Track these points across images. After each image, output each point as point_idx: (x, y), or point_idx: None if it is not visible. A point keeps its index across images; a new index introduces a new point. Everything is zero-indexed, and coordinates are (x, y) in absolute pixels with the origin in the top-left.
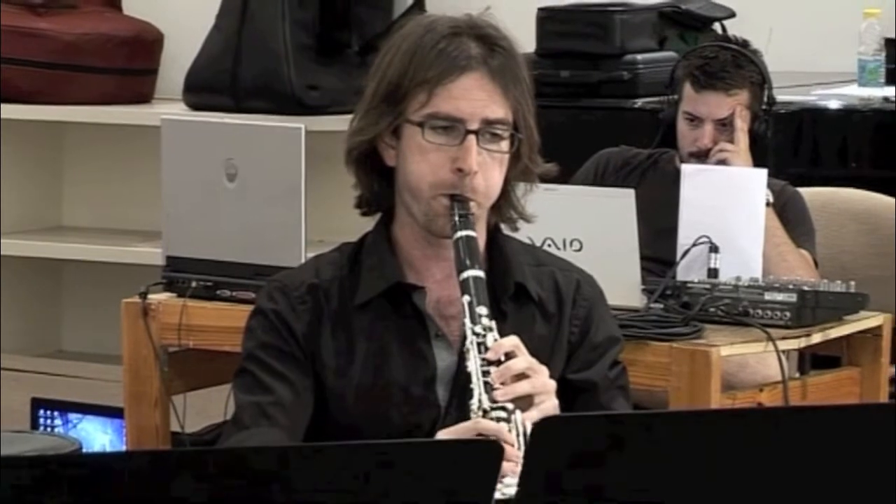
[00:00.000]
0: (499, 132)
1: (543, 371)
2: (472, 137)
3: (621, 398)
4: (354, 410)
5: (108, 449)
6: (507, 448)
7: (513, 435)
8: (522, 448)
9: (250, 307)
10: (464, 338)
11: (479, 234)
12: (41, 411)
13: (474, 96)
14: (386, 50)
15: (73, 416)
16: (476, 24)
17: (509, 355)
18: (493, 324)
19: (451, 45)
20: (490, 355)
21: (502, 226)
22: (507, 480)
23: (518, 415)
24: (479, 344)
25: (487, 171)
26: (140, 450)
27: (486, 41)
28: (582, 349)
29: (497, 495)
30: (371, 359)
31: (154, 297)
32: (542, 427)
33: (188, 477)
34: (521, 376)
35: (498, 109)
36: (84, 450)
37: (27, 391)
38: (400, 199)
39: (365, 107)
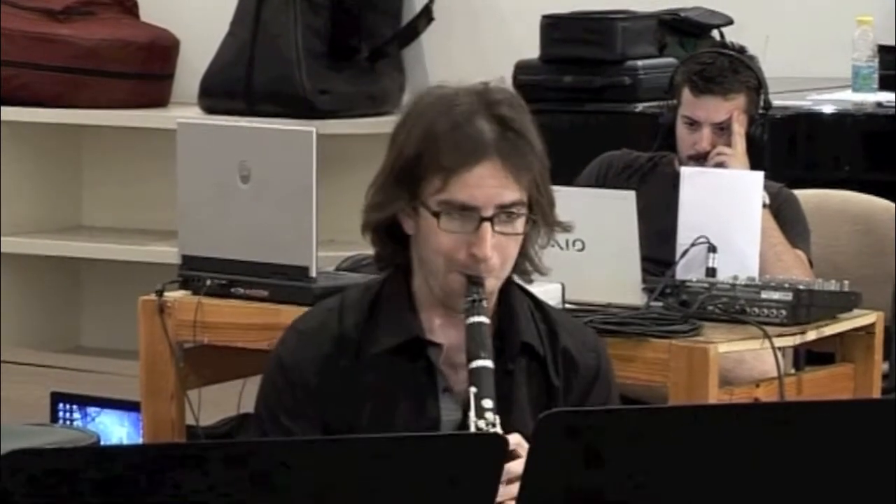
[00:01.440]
0: (514, 212)
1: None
2: (486, 225)
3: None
4: None
5: (125, 442)
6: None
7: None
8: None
9: (263, 305)
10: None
11: (492, 296)
12: (60, 405)
13: (488, 184)
14: (401, 124)
15: (91, 410)
16: (491, 102)
17: (511, 454)
18: (497, 419)
19: (465, 129)
20: None
21: (515, 277)
22: None
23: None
24: None
25: (503, 250)
26: (155, 443)
27: (500, 122)
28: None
29: None
30: (378, 411)
31: (170, 295)
32: (547, 422)
33: (200, 469)
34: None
35: (512, 194)
36: (102, 442)
37: (47, 385)
38: (418, 263)
39: (380, 181)
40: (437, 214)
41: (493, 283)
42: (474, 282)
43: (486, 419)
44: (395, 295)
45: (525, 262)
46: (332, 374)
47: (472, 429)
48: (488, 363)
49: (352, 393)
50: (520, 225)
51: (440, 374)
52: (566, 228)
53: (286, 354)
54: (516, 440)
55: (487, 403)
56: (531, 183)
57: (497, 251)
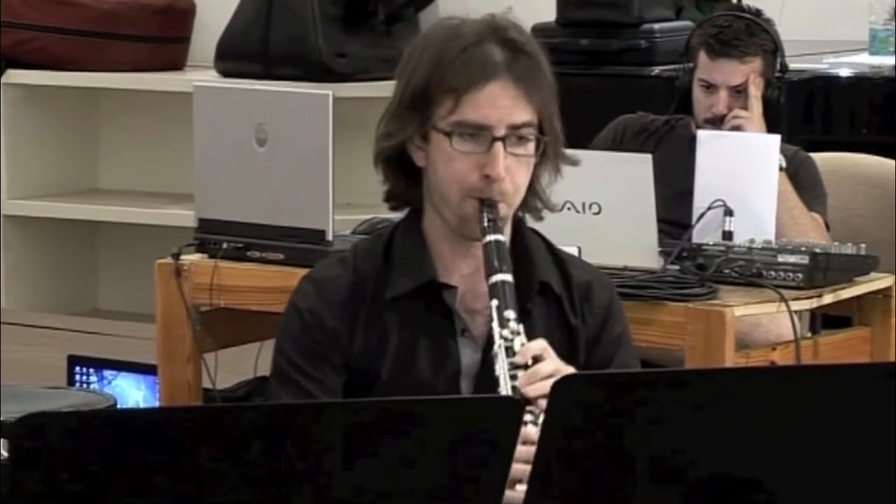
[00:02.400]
0: (525, 135)
1: (570, 372)
2: (498, 144)
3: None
4: None
5: (142, 405)
6: (529, 449)
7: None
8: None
9: (280, 268)
10: (489, 334)
11: (506, 231)
12: (77, 368)
13: (500, 103)
14: (411, 53)
15: (107, 373)
16: (499, 28)
17: (537, 359)
18: (521, 328)
19: (475, 51)
20: (518, 359)
21: (527, 216)
22: (519, 488)
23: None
24: (506, 348)
25: (514, 173)
26: (173, 405)
27: (509, 45)
28: (598, 347)
29: (511, 494)
30: (399, 355)
31: (186, 258)
32: (562, 385)
33: (217, 433)
34: (549, 378)
35: (523, 114)
36: (118, 405)
37: (64, 348)
38: (429, 198)
39: (391, 111)
40: (448, 135)
41: (505, 210)
42: (488, 204)
43: (509, 328)
44: (408, 239)
45: (534, 199)
46: (350, 320)
47: (497, 339)
48: (508, 277)
49: (371, 338)
50: (531, 148)
51: (457, 317)
52: (573, 162)
53: (302, 302)
54: (541, 346)
55: (510, 314)
56: (541, 106)
57: (509, 174)
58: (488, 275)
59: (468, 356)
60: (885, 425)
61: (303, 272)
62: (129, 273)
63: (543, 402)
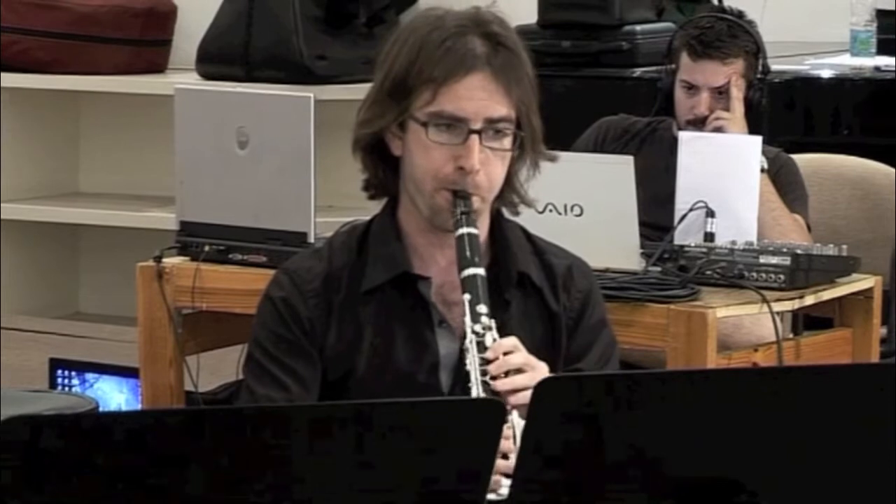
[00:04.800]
0: (502, 129)
1: (542, 367)
2: (474, 137)
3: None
4: (359, 398)
5: (124, 408)
6: (503, 443)
7: (509, 433)
8: (518, 446)
9: (262, 270)
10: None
11: (482, 224)
12: (59, 371)
13: (478, 96)
14: (393, 42)
15: (89, 376)
16: (482, 21)
17: (507, 354)
18: (493, 323)
19: (456, 43)
20: (489, 354)
21: (504, 210)
22: (502, 481)
23: (514, 414)
24: (478, 343)
25: (490, 167)
26: (154, 409)
27: (491, 39)
28: (577, 334)
29: (491, 496)
30: (376, 348)
31: (168, 261)
32: (543, 388)
33: (200, 435)
34: (519, 372)
35: (500, 108)
36: (100, 409)
37: (46, 352)
38: (405, 188)
39: (371, 98)
40: (425, 125)
41: (479, 203)
42: (461, 196)
43: (481, 323)
44: (383, 231)
45: (511, 194)
46: (325, 310)
47: (469, 333)
48: (480, 271)
49: (346, 330)
50: (507, 143)
51: (434, 309)
52: (551, 158)
53: (276, 292)
54: (512, 342)
55: (482, 309)
56: (520, 102)
57: (484, 168)
58: (460, 268)
59: (446, 347)
60: (866, 426)
61: None
62: (111, 276)
63: (512, 399)
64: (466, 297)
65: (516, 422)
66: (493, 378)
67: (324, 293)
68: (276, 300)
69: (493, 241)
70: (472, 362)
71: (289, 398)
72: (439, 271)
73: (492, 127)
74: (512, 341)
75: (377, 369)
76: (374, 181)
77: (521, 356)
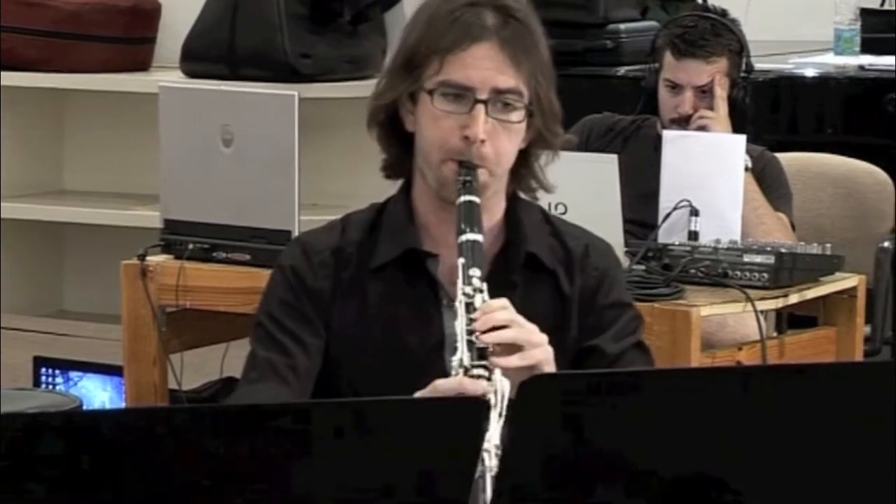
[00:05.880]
0: (510, 101)
1: (531, 327)
2: (480, 106)
3: (639, 362)
4: (364, 375)
5: (108, 406)
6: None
7: (492, 393)
8: (500, 407)
9: (246, 269)
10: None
11: (495, 203)
12: (43, 369)
13: (484, 65)
14: (412, 18)
15: (73, 374)
16: None
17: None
18: (485, 286)
19: (466, 14)
20: (477, 314)
21: (521, 194)
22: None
23: (498, 374)
24: (467, 304)
25: (497, 139)
26: (139, 406)
27: (501, 11)
28: (591, 314)
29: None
30: (383, 325)
31: (152, 259)
32: (529, 386)
33: (184, 433)
34: (504, 327)
35: (508, 79)
36: (84, 407)
37: (29, 350)
38: (417, 165)
39: (386, 71)
40: (432, 94)
41: (486, 177)
42: (466, 166)
43: (472, 285)
44: (397, 210)
45: (529, 178)
46: (333, 283)
47: (459, 295)
48: (477, 237)
49: (353, 305)
50: (515, 116)
51: (443, 289)
52: (567, 142)
53: (286, 260)
54: (501, 303)
55: (475, 272)
56: (531, 76)
57: (490, 140)
58: (458, 234)
59: (451, 327)
60: (851, 425)
61: (268, 273)
62: (94, 274)
63: (497, 360)
64: (461, 260)
65: (500, 381)
66: (479, 335)
67: (333, 265)
68: (285, 268)
69: (507, 223)
70: (460, 322)
71: (291, 363)
72: (449, 251)
73: (499, 98)
74: (501, 302)
75: (381, 345)
76: (389, 160)
77: (508, 313)
